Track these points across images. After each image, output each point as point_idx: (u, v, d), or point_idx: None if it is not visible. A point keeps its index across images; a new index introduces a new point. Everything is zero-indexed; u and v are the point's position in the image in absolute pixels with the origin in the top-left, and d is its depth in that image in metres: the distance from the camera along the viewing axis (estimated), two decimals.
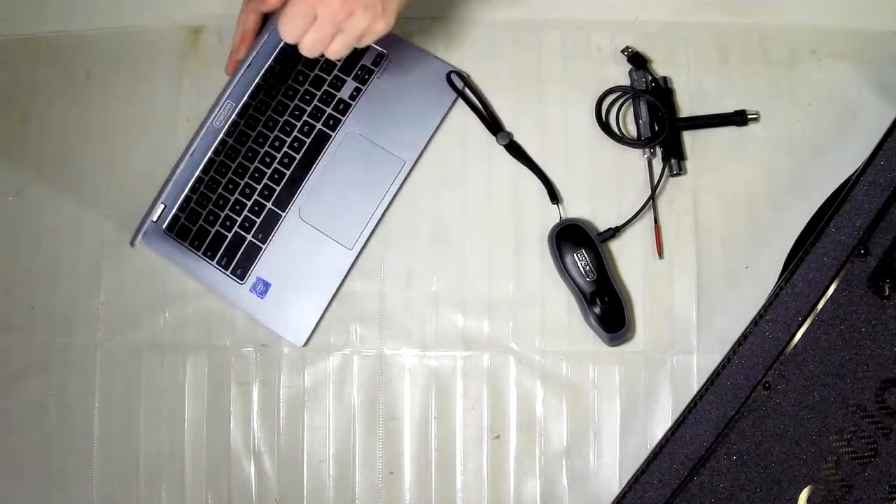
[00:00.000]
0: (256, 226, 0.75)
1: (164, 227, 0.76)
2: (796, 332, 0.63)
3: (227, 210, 0.75)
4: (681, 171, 0.75)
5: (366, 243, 0.75)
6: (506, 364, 0.74)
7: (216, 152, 0.76)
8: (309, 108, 0.76)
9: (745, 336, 0.63)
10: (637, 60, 0.76)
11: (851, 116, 0.75)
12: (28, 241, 0.79)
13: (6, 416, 0.78)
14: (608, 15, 0.78)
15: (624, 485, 0.64)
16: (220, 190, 0.76)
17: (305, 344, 0.74)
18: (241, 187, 0.76)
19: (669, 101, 0.75)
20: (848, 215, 0.64)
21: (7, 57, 0.82)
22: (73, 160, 0.79)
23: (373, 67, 0.77)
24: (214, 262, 0.75)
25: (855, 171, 0.66)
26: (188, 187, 0.76)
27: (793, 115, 0.76)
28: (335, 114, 0.76)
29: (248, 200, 0.75)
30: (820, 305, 0.63)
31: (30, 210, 0.80)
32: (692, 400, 0.63)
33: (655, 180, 0.74)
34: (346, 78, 0.77)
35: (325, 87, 0.76)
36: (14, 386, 0.78)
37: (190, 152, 0.75)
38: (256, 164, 0.76)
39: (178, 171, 0.75)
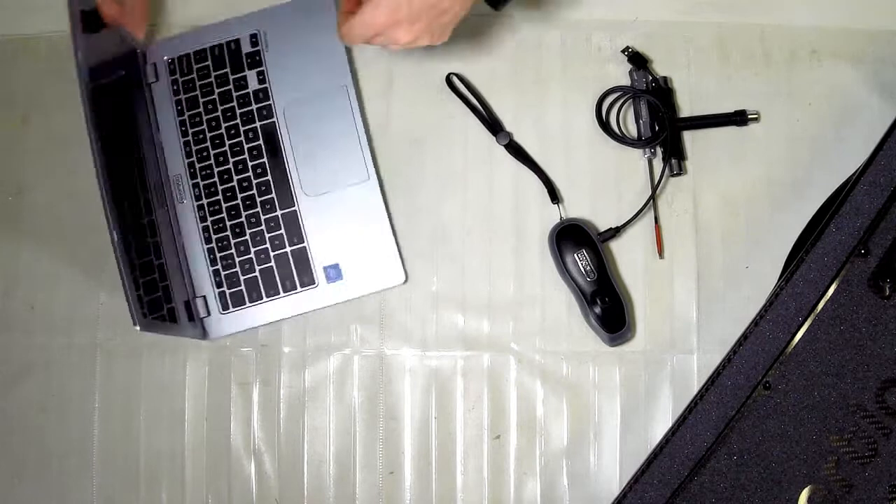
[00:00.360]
0: (284, 234, 0.74)
1: (220, 311, 0.74)
2: (796, 332, 0.63)
3: (253, 249, 0.74)
4: (681, 171, 0.75)
5: (377, 171, 0.76)
6: (506, 364, 0.74)
7: (202, 220, 0.76)
8: (239, 119, 0.76)
9: (745, 336, 0.63)
10: (637, 60, 0.76)
11: (851, 116, 0.75)
12: (28, 241, 0.79)
13: (6, 416, 0.78)
14: (608, 15, 0.78)
15: (624, 485, 0.64)
16: (233, 241, 0.75)
17: (406, 280, 0.74)
18: (244, 222, 0.75)
19: (669, 101, 0.75)
20: (848, 215, 0.64)
21: (7, 57, 0.82)
22: (73, 160, 0.79)
23: (255, 48, 0.77)
24: (283, 293, 0.74)
25: (855, 171, 0.66)
26: (209, 265, 0.75)
27: (793, 115, 0.76)
28: (261, 104, 0.76)
29: (261, 224, 0.75)
30: (820, 305, 0.63)
31: (30, 210, 0.80)
32: (692, 400, 0.63)
33: (655, 180, 0.74)
34: (243, 73, 0.77)
35: (235, 96, 0.77)
36: (14, 386, 0.78)
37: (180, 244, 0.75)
38: (240, 196, 0.75)
39: (189, 263, 0.75)
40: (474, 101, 0.77)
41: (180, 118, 0.77)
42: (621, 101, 0.76)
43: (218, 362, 0.76)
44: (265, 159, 0.76)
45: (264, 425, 0.75)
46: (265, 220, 0.75)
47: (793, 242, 0.71)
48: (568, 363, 0.74)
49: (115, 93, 0.72)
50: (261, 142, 0.76)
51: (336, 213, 0.75)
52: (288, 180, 0.75)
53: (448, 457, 0.74)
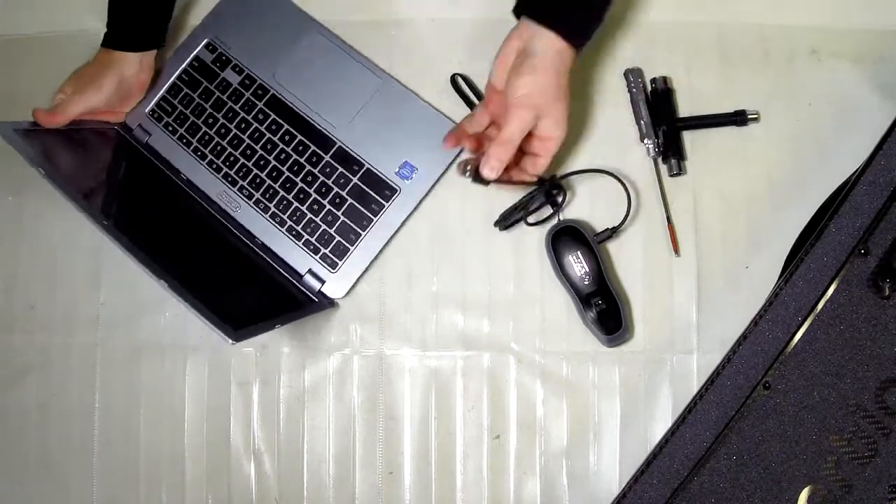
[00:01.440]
0: (343, 170, 0.75)
1: (331, 271, 0.74)
2: (796, 332, 0.63)
3: (325, 201, 0.75)
4: (681, 171, 0.75)
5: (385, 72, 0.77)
6: (506, 364, 0.74)
7: (265, 210, 0.76)
8: (242, 113, 0.78)
9: (745, 336, 0.63)
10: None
11: (851, 116, 0.75)
12: (28, 241, 0.79)
13: (6, 416, 0.78)
14: (608, 15, 0.78)
15: (624, 485, 0.64)
16: (304, 207, 0.75)
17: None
18: (303, 186, 0.76)
19: (669, 101, 0.75)
20: (848, 215, 0.64)
21: (7, 57, 0.82)
22: None
23: (216, 52, 0.79)
24: (375, 217, 0.74)
25: (855, 171, 0.66)
26: (297, 242, 0.75)
27: (793, 115, 0.76)
28: (252, 88, 0.78)
29: (318, 178, 0.76)
30: (820, 305, 0.63)
31: (30, 210, 0.80)
32: (692, 400, 0.63)
33: (661, 180, 0.74)
34: (220, 77, 0.78)
35: (225, 98, 0.78)
36: (14, 386, 0.78)
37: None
38: (285, 169, 0.76)
39: (281, 253, 0.75)
40: (475, 100, 0.77)
41: (191, 148, 0.77)
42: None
43: (218, 362, 0.76)
44: (286, 126, 0.76)
45: (264, 425, 0.75)
46: (319, 171, 0.75)
47: (793, 242, 0.71)
48: (568, 363, 0.74)
49: (120, 176, 0.75)
50: (273, 116, 0.77)
51: (373, 123, 0.76)
52: (316, 128, 0.76)
53: (448, 457, 0.74)
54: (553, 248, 0.72)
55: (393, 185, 0.74)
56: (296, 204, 0.75)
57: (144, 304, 0.77)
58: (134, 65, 0.74)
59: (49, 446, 0.77)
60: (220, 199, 0.76)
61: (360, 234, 0.74)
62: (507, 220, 0.74)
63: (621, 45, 0.77)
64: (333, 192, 0.75)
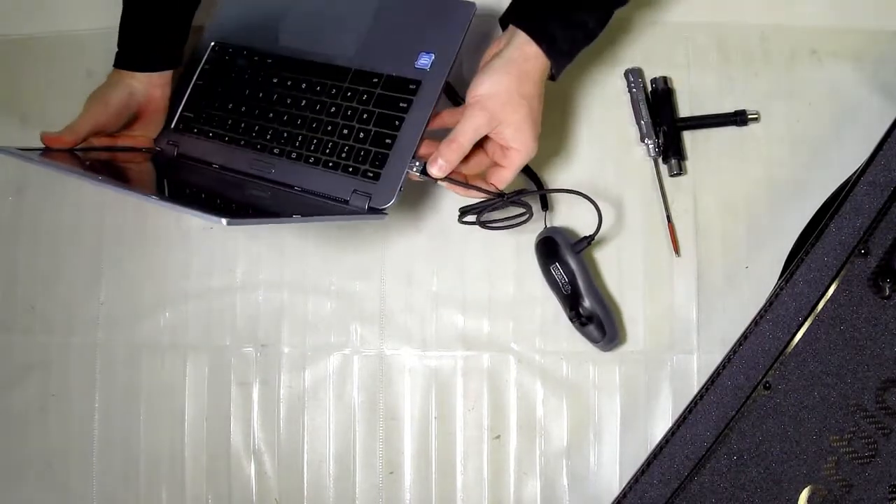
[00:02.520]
0: (361, 89, 0.72)
1: (376, 183, 0.69)
2: (796, 332, 0.63)
3: (354, 122, 0.71)
4: (681, 171, 0.75)
5: None
6: (506, 364, 0.74)
7: (298, 157, 0.74)
8: (271, 92, 0.76)
9: (745, 336, 0.63)
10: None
11: (851, 116, 0.75)
12: (28, 241, 0.79)
13: (6, 416, 0.78)
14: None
15: (624, 485, 0.64)
16: (335, 139, 0.72)
17: None
18: (324, 120, 0.73)
19: (669, 101, 0.75)
20: (848, 215, 0.64)
21: (7, 57, 0.82)
22: None
23: (225, 51, 0.78)
24: (406, 113, 0.69)
25: (855, 171, 0.66)
26: (338, 170, 0.71)
27: (793, 115, 0.76)
28: (273, 65, 0.76)
29: (334, 100, 0.73)
30: (820, 305, 0.63)
31: (30, 210, 0.80)
32: (692, 400, 0.63)
33: (661, 180, 0.74)
34: (234, 68, 0.77)
35: (251, 90, 0.76)
36: (14, 386, 0.78)
37: None
38: (308, 113, 0.74)
39: (325, 190, 0.72)
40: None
41: (222, 140, 0.75)
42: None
43: (217, 362, 0.76)
44: (302, 79, 0.74)
45: (264, 425, 0.75)
46: (341, 100, 0.72)
47: (793, 242, 0.71)
48: (568, 363, 0.74)
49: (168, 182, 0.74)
50: (289, 75, 0.75)
51: (380, 33, 0.72)
52: (330, 65, 0.73)
53: (448, 457, 0.74)
54: (540, 255, 0.72)
55: (414, 79, 0.70)
56: (326, 138, 0.72)
57: (144, 304, 0.77)
58: (143, 83, 0.71)
59: (49, 446, 0.77)
60: (252, 168, 0.74)
61: (396, 136, 0.70)
62: (464, 215, 0.70)
63: (621, 45, 0.77)
64: (360, 110, 0.72)
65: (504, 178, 0.63)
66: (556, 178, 0.76)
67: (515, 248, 0.75)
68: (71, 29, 0.82)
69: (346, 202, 0.71)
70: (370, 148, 0.71)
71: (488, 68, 0.61)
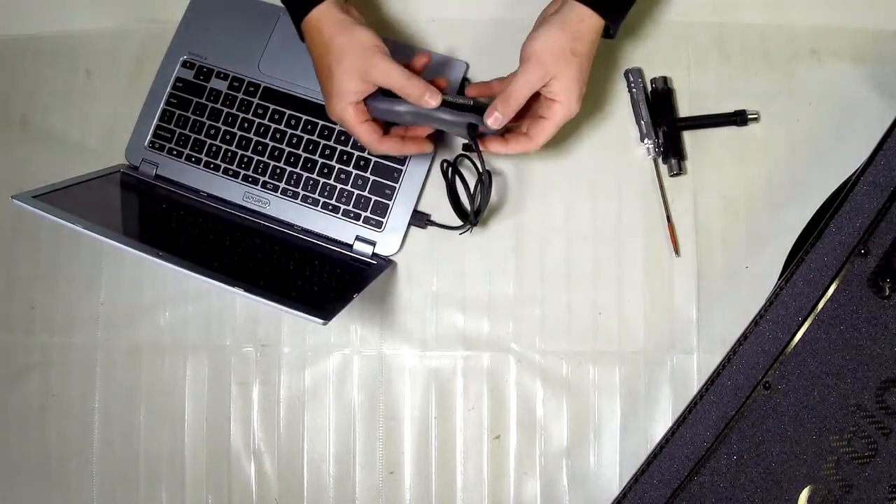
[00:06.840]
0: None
1: (379, 231, 0.72)
2: (796, 332, 0.63)
3: (350, 168, 0.73)
4: (681, 171, 0.75)
5: None
6: (506, 364, 0.74)
7: (294, 196, 0.75)
8: (242, 114, 0.76)
9: (745, 336, 0.63)
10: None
11: (851, 116, 0.75)
12: (28, 241, 0.79)
13: (6, 416, 0.78)
14: None
15: (624, 485, 0.64)
16: (332, 181, 0.73)
17: None
18: (321, 161, 0.74)
19: (669, 101, 0.75)
20: (848, 215, 0.64)
21: (7, 57, 0.82)
22: (73, 160, 0.79)
23: (194, 67, 0.77)
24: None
25: (855, 171, 0.66)
26: (338, 215, 0.73)
27: (793, 115, 0.76)
28: (242, 87, 0.76)
29: (337, 146, 0.74)
30: (820, 305, 0.63)
31: (29, 210, 0.80)
32: (692, 400, 0.63)
33: (661, 180, 0.74)
34: (206, 86, 0.77)
35: (219, 107, 0.76)
36: (14, 386, 0.78)
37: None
38: (300, 152, 0.74)
39: (324, 231, 0.73)
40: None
41: (202, 164, 0.76)
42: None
43: (217, 362, 0.76)
44: (287, 111, 0.75)
45: (264, 425, 0.75)
46: (334, 141, 0.74)
47: (793, 242, 0.71)
48: (568, 363, 0.74)
49: (147, 211, 0.74)
50: (272, 106, 0.75)
51: None
52: (317, 102, 0.74)
53: (448, 457, 0.74)
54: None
55: None
56: (322, 180, 0.74)
57: (144, 304, 0.77)
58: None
59: (49, 446, 0.77)
60: (246, 202, 0.75)
61: (395, 186, 0.72)
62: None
63: (621, 45, 0.77)
64: (355, 156, 0.73)
65: (545, 130, 0.64)
66: (556, 177, 0.76)
67: (515, 247, 0.75)
68: (71, 29, 0.82)
69: (350, 246, 0.73)
70: (370, 196, 0.73)
71: (544, 25, 0.62)
